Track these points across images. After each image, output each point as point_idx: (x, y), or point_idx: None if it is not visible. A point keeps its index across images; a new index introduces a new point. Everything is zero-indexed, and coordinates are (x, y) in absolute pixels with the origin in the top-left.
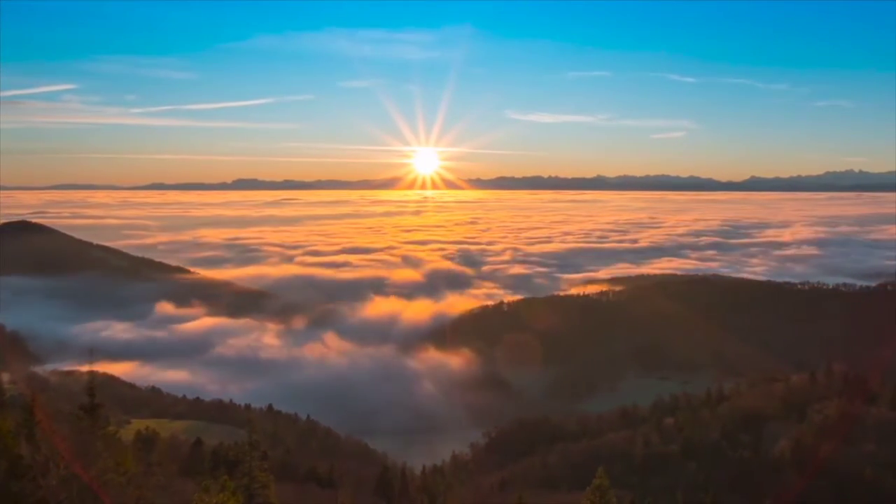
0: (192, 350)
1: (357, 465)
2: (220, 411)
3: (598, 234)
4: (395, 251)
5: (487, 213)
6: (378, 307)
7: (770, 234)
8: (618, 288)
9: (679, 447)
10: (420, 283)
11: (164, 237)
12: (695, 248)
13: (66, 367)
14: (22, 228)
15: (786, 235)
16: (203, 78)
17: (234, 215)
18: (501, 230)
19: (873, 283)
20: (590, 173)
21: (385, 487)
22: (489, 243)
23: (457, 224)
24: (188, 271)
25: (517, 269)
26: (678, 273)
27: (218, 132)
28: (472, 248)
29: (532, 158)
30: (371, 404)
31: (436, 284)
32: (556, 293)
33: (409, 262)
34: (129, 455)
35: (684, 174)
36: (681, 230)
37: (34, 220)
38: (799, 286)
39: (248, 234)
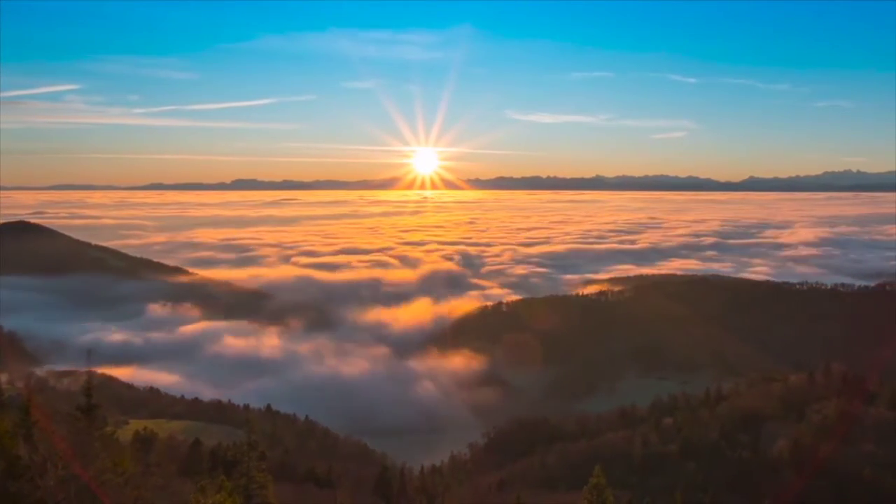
0: (190, 350)
1: (355, 465)
2: (218, 412)
3: (597, 234)
4: (393, 251)
5: (486, 214)
6: (376, 307)
7: (769, 235)
8: (617, 288)
9: (678, 447)
10: (419, 283)
11: (161, 237)
12: (694, 248)
13: (64, 368)
14: (20, 229)
15: (785, 236)
16: (206, 78)
17: (233, 215)
18: (500, 230)
19: (872, 283)
20: (589, 173)
21: (384, 487)
22: (488, 244)
23: (456, 224)
24: (186, 271)
25: (516, 270)
26: (677, 273)
27: (219, 132)
28: (471, 248)
29: (531, 159)
30: (370, 404)
31: (434, 285)
32: (555, 293)
33: (407, 262)
34: (126, 455)
35: (683, 174)
36: (680, 230)
37: (32, 221)
38: (798, 286)
39: (247, 235)
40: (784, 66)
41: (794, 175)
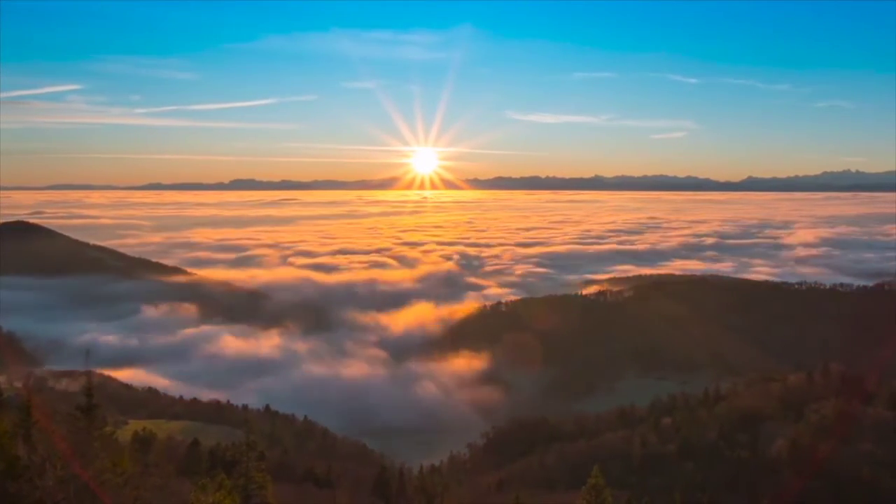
0: (188, 350)
1: (354, 465)
2: (216, 412)
3: (596, 234)
4: (391, 252)
5: (485, 214)
6: (374, 308)
7: (768, 235)
8: (616, 288)
9: (676, 447)
10: (417, 283)
11: (159, 237)
12: (693, 248)
13: (63, 368)
14: (19, 229)
15: (784, 236)
16: (208, 78)
17: (231, 215)
18: (499, 230)
19: (871, 283)
20: (588, 173)
21: (382, 487)
22: (487, 244)
23: (454, 224)
24: (184, 272)
25: (515, 270)
26: (676, 273)
27: (220, 132)
28: (470, 248)
29: (531, 158)
30: (368, 404)
31: (433, 285)
32: (554, 293)
33: (405, 262)
34: (125, 455)
35: (682, 174)
36: (679, 230)
37: (31, 221)
38: (796, 286)
39: (245, 235)
40: (785, 66)
41: (793, 175)
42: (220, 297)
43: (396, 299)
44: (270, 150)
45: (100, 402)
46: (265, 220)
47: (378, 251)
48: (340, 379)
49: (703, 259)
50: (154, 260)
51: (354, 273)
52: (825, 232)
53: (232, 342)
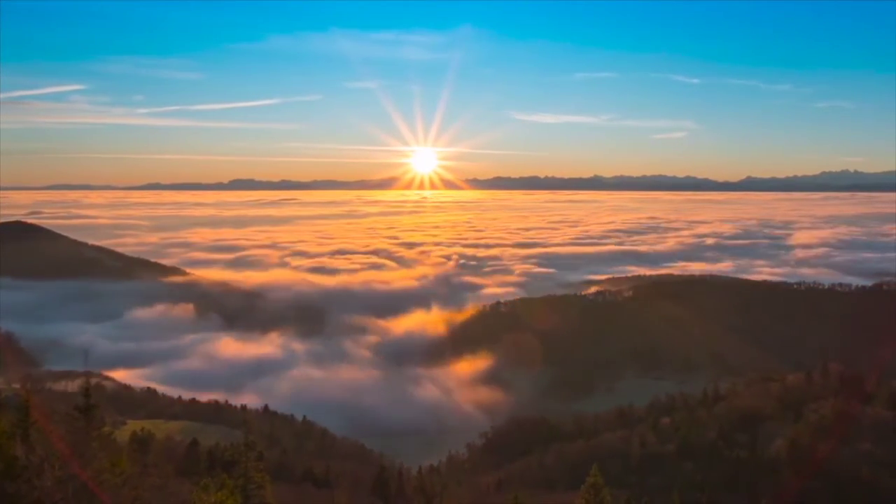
0: (187, 351)
1: (353, 465)
2: (215, 412)
3: (595, 234)
4: (390, 252)
5: (484, 214)
6: (373, 308)
7: (768, 235)
8: (615, 288)
9: (675, 447)
10: (416, 283)
11: (157, 237)
12: (692, 248)
13: (61, 369)
14: (16, 229)
15: (783, 235)
16: (212, 78)
17: (230, 215)
18: (499, 230)
19: (870, 283)
20: (587, 173)
21: (381, 488)
22: (486, 244)
23: (453, 225)
24: (182, 272)
25: (514, 270)
26: (675, 273)
27: (222, 132)
28: (469, 248)
29: (531, 158)
30: (367, 405)
31: (432, 285)
32: (553, 294)
33: (404, 262)
34: (124, 456)
35: (681, 174)
36: (678, 230)
37: (28, 221)
38: (795, 286)
39: (243, 235)
40: (787, 66)
41: (791, 175)
42: (219, 297)
43: (395, 299)
44: (271, 150)
45: (98, 402)
46: (264, 220)
47: (376, 251)
48: (339, 379)
49: (703, 259)
50: (152, 260)
51: (352, 273)
52: (824, 232)
53: (230, 342)
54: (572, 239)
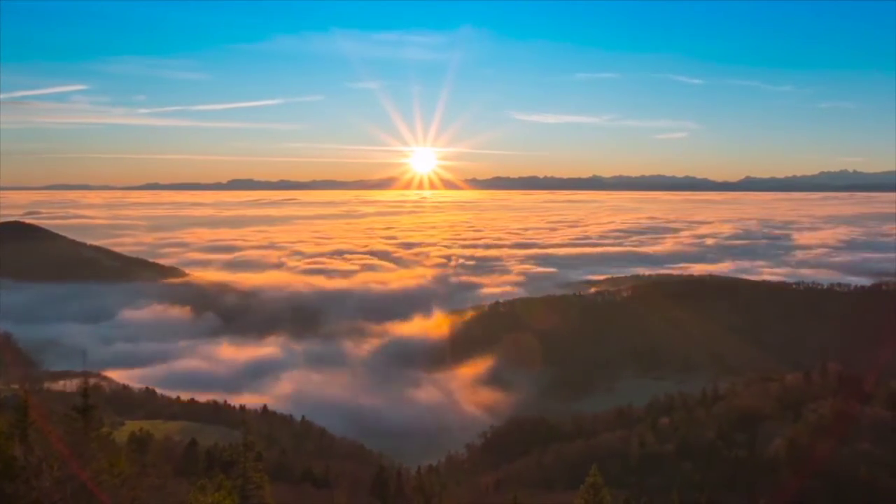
0: (185, 351)
1: (352, 465)
2: (214, 412)
3: (594, 234)
4: (388, 252)
5: (483, 214)
6: (371, 308)
7: (767, 235)
8: (614, 288)
9: (674, 447)
10: (415, 283)
11: (155, 237)
12: (692, 248)
13: (59, 369)
14: (15, 229)
15: (782, 235)
16: (214, 79)
17: (228, 216)
18: (498, 230)
19: (869, 283)
20: (586, 173)
21: (381, 488)
22: (485, 244)
23: (452, 225)
24: (180, 272)
25: (514, 270)
26: (674, 273)
27: (223, 132)
28: (468, 249)
29: (529, 158)
30: (366, 405)
31: (431, 285)
32: (552, 293)
33: (402, 262)
34: (123, 456)
35: (680, 174)
36: (677, 230)
37: (26, 221)
38: (794, 286)
39: (241, 235)
40: (789, 67)
41: (790, 175)
42: (217, 297)
43: (394, 300)
44: (271, 151)
45: (96, 402)
46: (262, 220)
47: (375, 252)
48: (338, 379)
49: (702, 259)
50: (150, 260)
51: (351, 274)
52: (824, 232)
53: (228, 342)
54: (571, 239)
